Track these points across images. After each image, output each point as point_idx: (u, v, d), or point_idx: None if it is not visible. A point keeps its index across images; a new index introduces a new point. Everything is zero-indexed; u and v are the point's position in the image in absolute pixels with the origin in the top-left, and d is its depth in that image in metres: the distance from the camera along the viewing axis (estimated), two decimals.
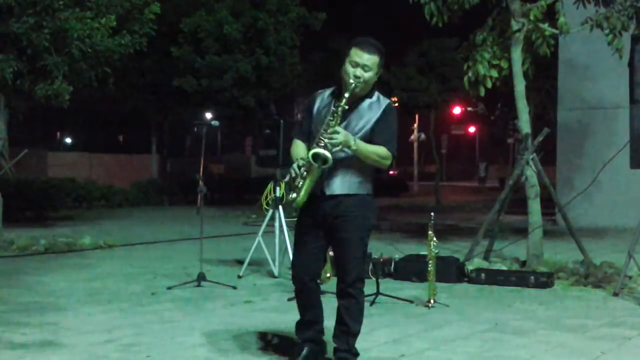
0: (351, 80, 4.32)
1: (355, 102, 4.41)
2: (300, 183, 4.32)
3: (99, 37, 11.58)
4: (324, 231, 4.50)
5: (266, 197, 8.69)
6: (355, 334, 4.56)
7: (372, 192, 4.53)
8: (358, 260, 4.47)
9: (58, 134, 52.75)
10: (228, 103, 23.28)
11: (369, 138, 4.38)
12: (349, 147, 4.25)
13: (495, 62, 9.40)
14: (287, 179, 4.42)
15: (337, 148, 4.22)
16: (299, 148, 4.53)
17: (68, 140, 53.57)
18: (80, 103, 18.58)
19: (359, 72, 4.34)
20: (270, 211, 8.58)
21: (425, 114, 29.59)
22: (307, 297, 4.66)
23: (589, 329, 5.92)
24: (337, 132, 4.21)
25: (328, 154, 4.19)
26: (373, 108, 4.43)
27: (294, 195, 4.34)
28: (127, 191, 23.19)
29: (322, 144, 4.22)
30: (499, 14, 9.52)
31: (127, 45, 12.29)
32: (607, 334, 5.78)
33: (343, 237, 4.44)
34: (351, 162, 4.39)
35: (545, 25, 9.20)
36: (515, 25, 9.10)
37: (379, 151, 4.35)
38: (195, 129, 38.42)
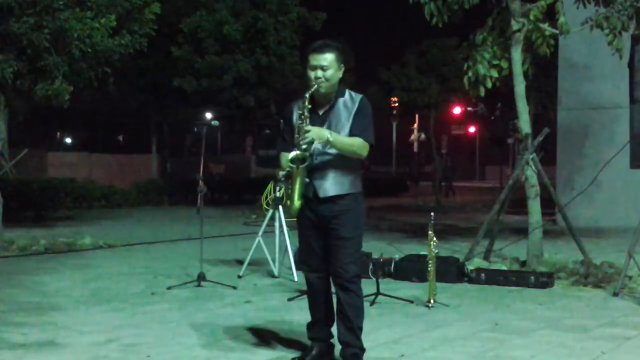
0: (313, 82, 4.57)
1: (331, 104, 4.64)
2: (290, 190, 4.56)
3: (99, 37, 11.56)
4: (322, 231, 4.67)
5: (266, 197, 8.70)
6: (361, 328, 4.70)
7: (361, 190, 4.72)
8: (355, 256, 4.65)
9: (58, 134, 52.76)
10: (228, 103, 23.26)
11: (350, 134, 4.57)
12: (326, 140, 4.45)
13: (495, 62, 9.41)
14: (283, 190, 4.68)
15: (315, 144, 4.45)
16: (285, 160, 4.68)
17: (68, 140, 53.60)
18: (80, 103, 18.57)
19: (319, 73, 4.57)
20: (270, 211, 8.60)
21: (425, 114, 29.57)
22: (313, 293, 4.85)
23: (589, 329, 5.92)
24: (308, 131, 4.42)
25: (299, 152, 4.43)
26: (348, 106, 4.63)
27: (288, 202, 4.62)
28: (127, 191, 23.12)
29: (299, 147, 4.46)
30: (499, 14, 9.51)
31: (127, 45, 12.27)
32: (607, 334, 5.78)
33: (341, 236, 4.59)
34: (339, 162, 4.57)
35: (545, 25, 9.20)
36: (515, 25, 9.10)
37: (354, 142, 4.56)
38: (195, 129, 38.43)
